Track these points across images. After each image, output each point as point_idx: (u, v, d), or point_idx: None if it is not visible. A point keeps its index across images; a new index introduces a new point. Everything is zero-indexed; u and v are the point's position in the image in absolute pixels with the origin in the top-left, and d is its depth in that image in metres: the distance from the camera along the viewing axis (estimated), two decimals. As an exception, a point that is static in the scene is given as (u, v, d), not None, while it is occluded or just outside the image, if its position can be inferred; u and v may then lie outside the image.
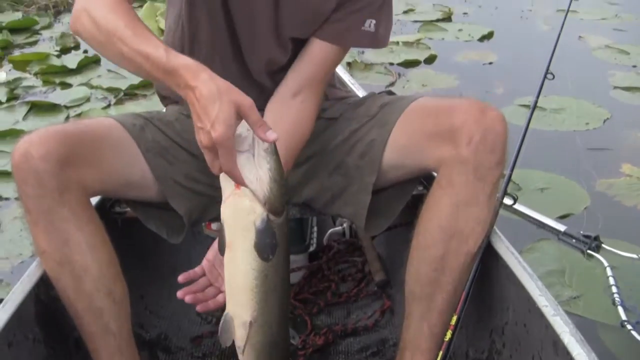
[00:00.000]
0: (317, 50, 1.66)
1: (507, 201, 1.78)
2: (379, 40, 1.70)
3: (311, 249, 2.26)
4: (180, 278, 1.54)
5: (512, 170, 1.79)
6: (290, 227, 1.89)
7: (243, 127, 1.24)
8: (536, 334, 1.51)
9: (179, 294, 1.52)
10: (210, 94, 1.21)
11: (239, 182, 1.23)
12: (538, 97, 2.01)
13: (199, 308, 1.53)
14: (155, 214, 1.69)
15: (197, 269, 1.56)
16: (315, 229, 2.30)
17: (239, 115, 1.22)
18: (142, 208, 1.69)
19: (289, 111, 1.65)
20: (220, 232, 1.29)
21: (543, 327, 1.46)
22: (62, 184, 1.42)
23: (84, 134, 1.53)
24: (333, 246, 2.34)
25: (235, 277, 1.31)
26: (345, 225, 2.37)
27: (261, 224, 1.26)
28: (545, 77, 2.08)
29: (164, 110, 1.89)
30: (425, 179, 1.78)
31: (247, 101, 1.22)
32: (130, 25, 1.37)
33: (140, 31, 1.37)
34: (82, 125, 1.61)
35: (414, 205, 1.64)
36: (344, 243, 2.36)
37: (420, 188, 1.80)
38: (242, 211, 1.26)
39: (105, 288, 1.50)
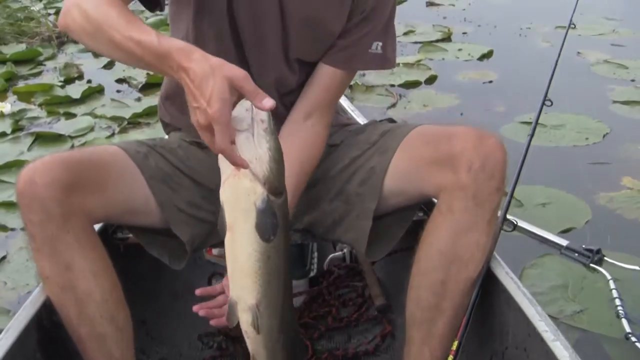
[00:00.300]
0: (326, 76, 1.71)
1: (507, 228, 1.81)
2: (387, 60, 1.74)
3: (312, 274, 2.26)
4: (198, 291, 1.56)
5: (511, 196, 1.81)
6: (291, 252, 1.91)
7: (242, 107, 1.24)
8: (536, 358, 1.52)
9: (195, 307, 1.54)
10: (204, 72, 1.21)
11: (235, 162, 1.21)
12: (536, 123, 2.04)
13: (213, 322, 1.54)
14: (158, 240, 1.70)
15: (217, 286, 1.57)
16: (315, 254, 2.30)
17: (235, 91, 1.22)
18: (144, 234, 1.70)
19: (300, 135, 1.68)
20: (220, 214, 1.28)
21: (543, 352, 1.47)
22: (66, 210, 1.43)
23: (88, 161, 1.55)
24: (333, 271, 2.34)
25: (238, 260, 1.30)
26: (345, 250, 2.38)
27: (262, 204, 1.24)
28: (543, 104, 2.11)
29: (167, 137, 1.92)
30: (426, 205, 1.80)
31: (240, 73, 1.22)
32: (122, 14, 1.38)
33: (132, 20, 1.38)
34: (87, 153, 1.64)
35: (415, 231, 1.66)
36: (344, 268, 2.37)
37: (421, 214, 1.82)
38: (242, 192, 1.25)
39: (108, 314, 1.51)
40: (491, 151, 1.51)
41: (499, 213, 1.65)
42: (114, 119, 4.28)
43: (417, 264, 1.60)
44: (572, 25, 2.55)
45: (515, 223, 1.81)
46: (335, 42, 1.70)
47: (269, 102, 1.21)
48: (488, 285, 1.64)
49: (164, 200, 1.64)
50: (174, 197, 1.66)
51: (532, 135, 2.00)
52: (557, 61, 2.26)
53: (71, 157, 1.52)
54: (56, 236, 1.44)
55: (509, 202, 1.81)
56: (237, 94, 1.23)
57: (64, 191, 1.43)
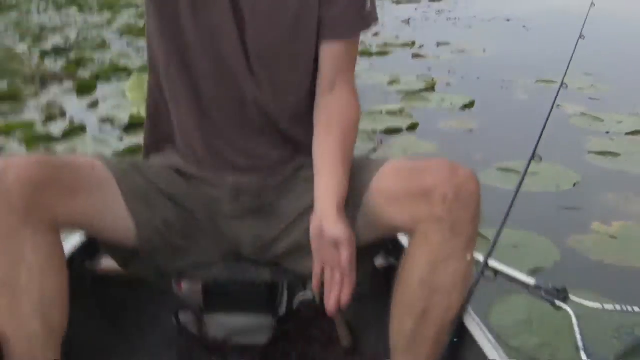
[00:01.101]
0: (335, 50, 1.70)
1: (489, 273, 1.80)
2: (370, 17, 1.72)
3: (280, 313, 2.21)
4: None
5: (494, 245, 1.81)
6: (260, 291, 1.94)
7: None
8: None
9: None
10: None
11: None
12: (523, 178, 2.07)
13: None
14: (132, 259, 1.68)
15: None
16: (285, 292, 2.26)
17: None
18: (119, 253, 1.69)
19: (332, 102, 1.71)
20: None
21: None
22: (30, 205, 1.40)
23: (65, 165, 1.51)
24: (302, 311, 2.28)
25: None
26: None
27: None
28: (532, 158, 2.15)
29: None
30: (394, 250, 1.82)
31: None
32: None
33: None
34: (66, 158, 1.61)
35: (385, 276, 1.69)
36: (312, 308, 2.28)
37: (392, 259, 1.84)
38: None
39: (42, 313, 1.47)
40: (464, 182, 1.51)
41: (481, 259, 1.67)
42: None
43: (397, 294, 1.60)
44: (565, 85, 2.60)
45: (496, 271, 1.81)
46: (324, 21, 1.67)
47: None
48: (461, 336, 1.64)
49: (139, 218, 1.61)
50: (150, 216, 1.63)
51: (519, 188, 2.02)
52: (547, 119, 2.30)
53: (47, 159, 1.48)
54: (14, 229, 1.41)
55: (491, 252, 1.79)
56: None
57: (33, 187, 1.40)
